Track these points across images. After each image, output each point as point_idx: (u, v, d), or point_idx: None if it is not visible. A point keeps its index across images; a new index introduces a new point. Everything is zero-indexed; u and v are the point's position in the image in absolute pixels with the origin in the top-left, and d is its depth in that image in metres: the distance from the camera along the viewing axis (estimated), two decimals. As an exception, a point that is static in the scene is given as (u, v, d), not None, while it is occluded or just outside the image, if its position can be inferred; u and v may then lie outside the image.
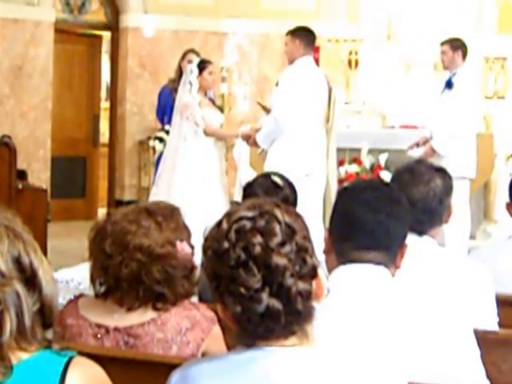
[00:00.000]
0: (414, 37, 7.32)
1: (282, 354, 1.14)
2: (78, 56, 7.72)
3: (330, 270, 1.50)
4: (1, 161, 4.91)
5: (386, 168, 5.64)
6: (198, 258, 1.61)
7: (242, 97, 7.75)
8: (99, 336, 1.71)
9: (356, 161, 5.76)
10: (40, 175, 7.00)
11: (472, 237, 5.37)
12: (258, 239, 1.12)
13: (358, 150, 5.75)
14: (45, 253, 1.23)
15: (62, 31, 7.36)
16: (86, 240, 1.80)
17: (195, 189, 4.62)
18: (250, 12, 7.64)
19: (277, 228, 1.14)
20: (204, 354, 1.72)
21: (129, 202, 6.70)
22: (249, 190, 2.49)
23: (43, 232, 4.88)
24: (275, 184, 2.48)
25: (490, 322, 1.95)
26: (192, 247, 1.80)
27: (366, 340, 1.39)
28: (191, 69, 4.79)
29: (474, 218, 5.23)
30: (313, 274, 1.15)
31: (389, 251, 1.51)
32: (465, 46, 5.09)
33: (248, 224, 1.14)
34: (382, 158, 5.72)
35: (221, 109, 5.34)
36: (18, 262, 1.16)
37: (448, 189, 2.11)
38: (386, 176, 5.44)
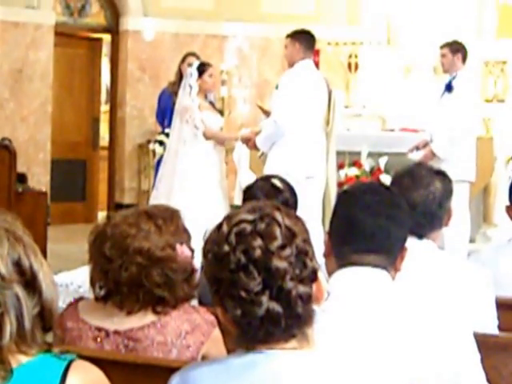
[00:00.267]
0: (414, 40, 7.34)
1: (283, 358, 1.14)
2: (78, 59, 7.73)
3: (329, 273, 1.50)
4: (1, 164, 4.91)
5: (386, 171, 5.65)
6: (197, 262, 1.61)
7: (242, 100, 7.76)
8: (99, 339, 1.71)
9: (356, 164, 5.77)
10: (40, 178, 7.00)
11: (472, 240, 5.37)
12: (259, 242, 1.12)
13: (358, 153, 5.76)
14: (44, 256, 1.22)
15: (62, 34, 7.37)
16: (85, 243, 1.80)
17: (195, 192, 4.62)
18: (250, 15, 7.66)
19: (277, 231, 1.14)
20: (204, 358, 1.72)
21: (129, 206, 6.70)
22: (249, 193, 2.50)
23: (43, 235, 4.88)
24: (275, 187, 2.48)
25: (489, 325, 1.95)
26: (192, 250, 1.80)
27: (366, 343, 1.39)
28: (191, 72, 4.79)
29: (473, 222, 5.24)
30: (313, 277, 1.16)
31: (389, 254, 1.51)
32: (465, 49, 5.10)
33: (248, 227, 1.14)
34: (382, 162, 5.72)
35: (221, 112, 5.34)
36: (18, 265, 1.16)
37: (448, 192, 2.11)
38: (386, 179, 5.44)
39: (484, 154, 5.46)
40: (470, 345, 1.46)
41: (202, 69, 4.78)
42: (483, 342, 1.51)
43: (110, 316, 1.73)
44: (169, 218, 1.78)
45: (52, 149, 7.27)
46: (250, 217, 1.15)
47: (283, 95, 4.53)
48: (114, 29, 7.81)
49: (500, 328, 1.97)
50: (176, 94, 5.05)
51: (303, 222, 1.19)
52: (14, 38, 7.00)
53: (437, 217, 2.07)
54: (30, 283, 1.16)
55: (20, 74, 7.05)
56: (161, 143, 5.97)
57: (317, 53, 6.52)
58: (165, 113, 5.75)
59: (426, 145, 5.07)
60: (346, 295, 1.45)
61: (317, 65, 5.77)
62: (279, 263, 1.12)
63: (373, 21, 7.46)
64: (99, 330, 1.72)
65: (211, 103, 4.94)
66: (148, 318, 1.72)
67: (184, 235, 1.80)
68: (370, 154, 5.75)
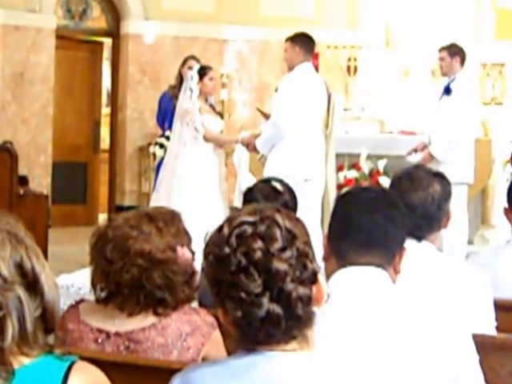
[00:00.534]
0: (413, 43, 7.35)
1: (283, 359, 1.15)
2: (79, 62, 7.74)
3: (328, 276, 1.51)
4: (2, 166, 4.92)
5: (385, 173, 5.66)
6: (198, 264, 1.62)
7: (242, 103, 7.77)
8: (100, 341, 1.72)
9: (355, 166, 5.78)
10: (41, 181, 7.01)
11: (470, 242, 5.37)
12: (259, 244, 1.13)
13: (357, 156, 5.77)
14: (45, 258, 1.23)
15: (63, 38, 7.38)
16: (86, 245, 1.81)
17: (194, 194, 4.63)
18: (250, 19, 7.67)
19: (277, 233, 1.14)
20: (204, 359, 1.72)
21: (129, 208, 6.70)
22: (249, 196, 2.50)
23: (44, 237, 4.88)
24: (275, 189, 2.49)
25: (488, 326, 1.95)
26: (192, 252, 1.81)
27: (366, 345, 1.39)
28: (192, 75, 4.81)
29: (471, 223, 5.24)
30: (313, 279, 1.16)
31: (387, 251, 1.51)
32: (463, 52, 5.11)
33: (249, 229, 1.14)
34: (381, 164, 5.73)
35: (221, 115, 5.35)
36: (20, 267, 1.16)
37: (447, 194, 2.12)
38: (385, 181, 5.46)
39: (482, 156, 5.47)
40: (468, 346, 1.46)
41: (203, 72, 4.80)
42: (481, 343, 1.52)
43: (111, 318, 1.73)
44: (169, 221, 1.79)
45: (53, 151, 7.29)
46: (250, 219, 1.16)
47: (283, 98, 4.54)
48: (114, 32, 7.83)
49: (498, 329, 1.98)
50: (176, 97, 5.06)
51: (303, 224, 1.20)
52: (16, 42, 7.02)
53: (435, 219, 2.08)
54: (32, 285, 1.16)
55: (21, 77, 7.06)
56: (161, 146, 5.99)
57: (316, 56, 6.54)
58: (165, 116, 5.76)
59: (424, 147, 5.07)
60: (346, 297, 1.45)
61: (316, 68, 5.78)
62: (280, 265, 1.12)
63: (372, 24, 7.48)
64: (100, 331, 1.73)
65: (211, 106, 4.95)
66: (149, 319, 1.73)
67: (185, 237, 1.81)
68: (368, 157, 5.76)
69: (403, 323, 1.44)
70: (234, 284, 1.13)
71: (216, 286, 1.16)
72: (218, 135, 4.87)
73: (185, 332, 1.72)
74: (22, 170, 5.78)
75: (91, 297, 1.79)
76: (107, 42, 8.04)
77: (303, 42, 4.61)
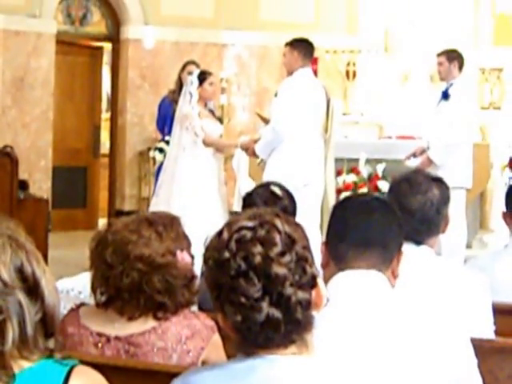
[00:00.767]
0: (411, 48, 7.37)
1: (282, 363, 1.15)
2: (79, 67, 7.76)
3: (327, 282, 1.52)
4: (3, 171, 4.93)
5: (384, 178, 5.67)
6: (197, 268, 1.63)
7: (241, 108, 7.78)
8: (100, 345, 1.72)
9: (354, 171, 5.79)
10: (41, 185, 7.02)
11: (468, 246, 5.38)
12: (258, 249, 1.14)
13: (356, 160, 5.78)
14: (45, 262, 1.24)
15: (63, 43, 7.40)
16: (86, 249, 1.81)
17: (194, 199, 4.64)
18: (250, 24, 7.69)
19: (277, 238, 1.15)
20: (204, 363, 1.73)
21: (129, 212, 6.69)
22: (248, 200, 2.51)
23: (44, 241, 4.89)
24: (274, 194, 2.49)
25: (486, 330, 1.96)
26: (192, 257, 1.82)
27: (365, 349, 1.40)
28: (191, 80, 4.82)
29: (470, 228, 5.25)
30: (312, 283, 1.17)
31: (385, 251, 1.52)
32: (461, 57, 5.12)
33: (248, 234, 1.15)
34: (380, 168, 5.74)
35: (220, 119, 5.36)
36: (20, 271, 1.17)
37: (445, 198, 2.13)
38: (384, 186, 5.47)
39: (480, 160, 5.49)
40: (467, 350, 1.47)
41: (203, 77, 4.81)
42: (480, 347, 1.52)
43: (111, 322, 1.74)
44: (169, 225, 1.80)
45: (53, 156, 7.30)
46: (250, 223, 1.16)
47: (282, 103, 4.55)
48: (114, 37, 7.84)
49: (497, 333, 1.98)
50: (176, 101, 5.07)
51: (303, 229, 1.21)
52: (16, 46, 7.04)
53: (434, 223, 2.09)
54: (33, 289, 1.17)
55: (22, 82, 7.08)
56: (161, 150, 5.99)
57: (315, 61, 6.56)
58: (165, 120, 5.77)
59: (422, 152, 5.09)
60: (345, 301, 1.46)
61: (315, 72, 5.80)
62: (279, 269, 1.13)
63: (371, 29, 7.50)
64: (100, 335, 1.73)
65: (211, 111, 4.96)
66: (149, 323, 1.74)
67: (184, 242, 1.82)
68: (367, 161, 5.77)
69: (402, 327, 1.44)
70: (234, 288, 1.13)
71: (216, 291, 1.17)
72: (217, 140, 4.88)
73: (184, 336, 1.72)
74: (23, 175, 5.79)
75: (91, 301, 1.80)
76: (107, 46, 8.06)
77: (302, 47, 4.63)
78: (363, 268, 1.50)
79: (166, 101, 5.87)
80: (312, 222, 4.39)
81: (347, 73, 7.57)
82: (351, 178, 5.74)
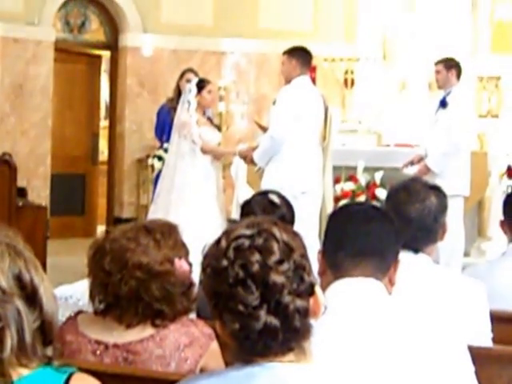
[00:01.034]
0: (410, 56, 7.40)
1: (280, 370, 1.15)
2: (77, 75, 7.78)
3: (324, 290, 1.52)
4: (1, 178, 4.93)
5: (382, 186, 5.68)
6: (195, 275, 1.63)
7: (240, 115, 7.80)
8: (98, 352, 1.72)
9: (352, 179, 5.80)
10: (40, 192, 7.02)
11: (466, 254, 5.39)
12: (256, 257, 1.14)
13: (354, 168, 5.79)
14: (44, 269, 1.24)
15: (61, 50, 7.42)
16: (85, 257, 1.81)
17: (193, 206, 4.64)
18: (248, 32, 7.72)
19: (275, 246, 1.16)
20: (202, 370, 1.73)
21: (127, 220, 6.72)
22: (246, 209, 2.52)
23: (43, 249, 4.89)
24: (272, 203, 2.50)
25: (484, 338, 1.96)
26: (190, 264, 1.82)
27: (363, 357, 1.40)
28: (190, 88, 4.84)
29: (468, 236, 5.26)
30: (310, 291, 1.17)
31: (382, 260, 1.53)
32: (459, 66, 5.15)
33: (246, 242, 1.16)
34: (378, 176, 5.75)
35: (218, 127, 5.38)
36: (18, 279, 1.17)
37: (443, 207, 2.14)
38: (382, 193, 5.48)
39: (478, 168, 5.50)
40: (464, 358, 1.47)
41: (201, 85, 4.83)
42: (477, 355, 1.53)
43: (109, 329, 1.74)
44: (167, 233, 1.80)
45: (52, 163, 7.30)
46: (248, 232, 1.17)
47: (280, 111, 4.56)
48: (113, 45, 7.87)
49: (495, 341, 1.99)
50: (174, 109, 5.09)
51: (301, 238, 1.21)
52: (15, 54, 7.06)
53: (432, 231, 2.10)
54: (31, 297, 1.17)
55: (21, 89, 7.10)
56: (159, 158, 6.00)
57: (313, 69, 6.58)
58: (163, 128, 5.78)
59: (420, 160, 5.10)
60: (343, 309, 1.46)
61: (313, 81, 5.82)
62: (277, 278, 1.13)
63: (369, 37, 7.53)
64: (98, 343, 1.74)
65: (209, 119, 4.98)
66: (147, 331, 1.74)
67: (182, 249, 1.82)
68: (365, 169, 5.78)
69: (400, 335, 1.45)
70: (232, 296, 1.14)
71: (214, 299, 1.17)
72: (215, 147, 4.89)
73: (183, 343, 1.73)
74: (21, 182, 5.79)
75: (90, 308, 1.80)
76: (106, 54, 8.08)
77: (300, 55, 4.65)
78: (360, 276, 1.51)
79: (164, 108, 5.89)
80: (310, 230, 4.39)
81: (345, 81, 7.59)
82: (349, 186, 5.75)
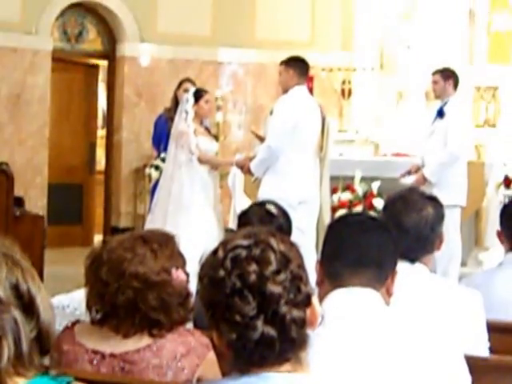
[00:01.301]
0: (407, 66, 7.43)
1: (277, 380, 1.15)
2: (75, 84, 7.79)
3: (322, 300, 1.52)
4: (-2, 188, 4.93)
5: (379, 195, 5.69)
6: (192, 285, 1.63)
7: (237, 125, 7.82)
8: (95, 362, 1.72)
9: (349, 188, 5.81)
10: (37, 202, 7.01)
11: (463, 264, 5.39)
12: (253, 267, 1.14)
13: (351, 178, 5.80)
14: (41, 278, 1.24)
15: (59, 60, 7.44)
16: (82, 266, 1.82)
17: (190, 216, 4.64)
18: (246, 42, 7.75)
19: (272, 257, 1.16)
20: (199, 380, 1.73)
21: (124, 229, 6.71)
22: (244, 219, 2.52)
23: (40, 258, 4.88)
24: (269, 213, 2.51)
25: (481, 348, 1.97)
26: (187, 274, 1.82)
27: (360, 367, 1.40)
28: (187, 98, 4.85)
29: (465, 246, 5.26)
30: (307, 301, 1.17)
31: (380, 270, 1.53)
32: (456, 76, 5.17)
33: (243, 252, 1.16)
34: (375, 186, 5.77)
35: (216, 137, 5.39)
36: (15, 288, 1.17)
37: (440, 217, 2.15)
38: (379, 203, 5.49)
39: (475, 178, 5.51)
40: (461, 368, 1.48)
41: (199, 95, 4.84)
42: (474, 365, 1.53)
43: (107, 339, 1.74)
44: (164, 243, 1.81)
45: (49, 173, 7.30)
46: (245, 242, 1.17)
47: (277, 121, 4.58)
48: (110, 54, 7.89)
49: (493, 351, 1.99)
50: (172, 119, 5.10)
51: (297, 248, 1.22)
52: (13, 63, 7.07)
53: (429, 241, 2.10)
54: (28, 307, 1.17)
55: (18, 99, 7.11)
56: (157, 168, 6.00)
57: (311, 79, 6.61)
58: (161, 138, 5.79)
59: (417, 170, 5.11)
60: (340, 319, 1.47)
61: (311, 91, 5.84)
62: (274, 288, 1.14)
63: (366, 47, 7.57)
64: (95, 352, 1.73)
65: (206, 129, 4.99)
66: (144, 341, 1.74)
67: (179, 259, 1.82)
68: (363, 179, 5.79)
69: (397, 345, 1.45)
70: (229, 307, 1.14)
71: (211, 309, 1.17)
72: (212, 157, 4.90)
73: (179, 353, 1.73)
74: (18, 191, 5.78)
75: (87, 317, 1.80)
76: (103, 64, 8.10)
77: (297, 65, 4.66)
78: (358, 286, 1.51)
79: (162, 118, 5.90)
80: (307, 239, 4.39)
81: (343, 91, 7.62)
82: (346, 196, 5.76)
